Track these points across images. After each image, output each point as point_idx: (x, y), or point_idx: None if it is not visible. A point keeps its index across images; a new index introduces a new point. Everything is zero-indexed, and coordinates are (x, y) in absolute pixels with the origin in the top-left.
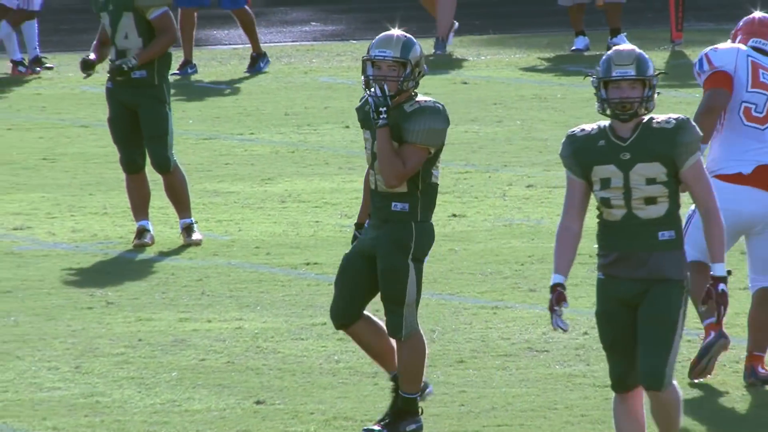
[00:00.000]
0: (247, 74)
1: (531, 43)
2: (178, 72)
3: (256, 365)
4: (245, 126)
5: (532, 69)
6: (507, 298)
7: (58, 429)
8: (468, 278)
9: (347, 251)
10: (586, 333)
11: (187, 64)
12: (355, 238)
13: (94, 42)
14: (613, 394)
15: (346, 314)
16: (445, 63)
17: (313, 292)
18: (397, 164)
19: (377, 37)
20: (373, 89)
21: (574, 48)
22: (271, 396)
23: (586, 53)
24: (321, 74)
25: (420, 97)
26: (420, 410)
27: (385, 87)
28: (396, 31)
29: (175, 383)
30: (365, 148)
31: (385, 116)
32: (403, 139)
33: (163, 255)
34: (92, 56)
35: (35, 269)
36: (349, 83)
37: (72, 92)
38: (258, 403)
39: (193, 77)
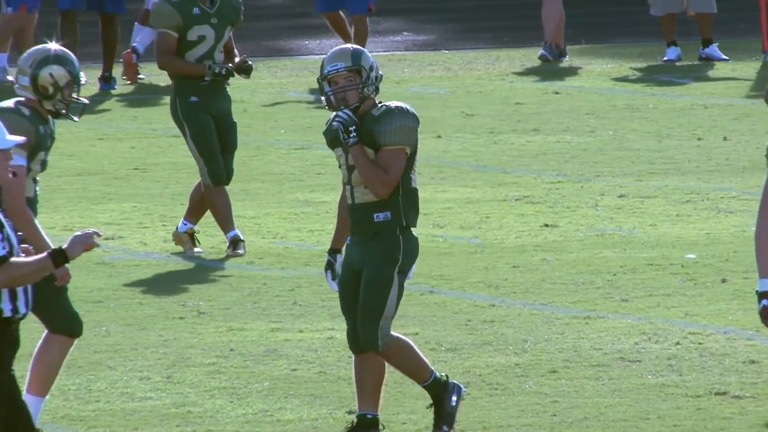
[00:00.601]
0: None
1: (623, 53)
2: None
3: (348, 375)
4: None
5: (624, 79)
6: (599, 308)
7: None
8: (560, 288)
9: (340, 277)
10: (678, 343)
11: None
12: (329, 264)
13: (179, 57)
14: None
15: None
16: (537, 72)
17: (404, 301)
18: (379, 173)
19: (325, 57)
20: (339, 111)
21: (666, 58)
22: None
23: (677, 63)
24: (412, 84)
25: (386, 102)
26: (446, 377)
27: (350, 104)
28: (343, 45)
29: (266, 393)
30: (339, 166)
31: (355, 135)
32: (378, 143)
33: (255, 265)
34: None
35: (127, 279)
36: (441, 93)
37: (163, 102)
38: (350, 413)
39: (287, 87)
